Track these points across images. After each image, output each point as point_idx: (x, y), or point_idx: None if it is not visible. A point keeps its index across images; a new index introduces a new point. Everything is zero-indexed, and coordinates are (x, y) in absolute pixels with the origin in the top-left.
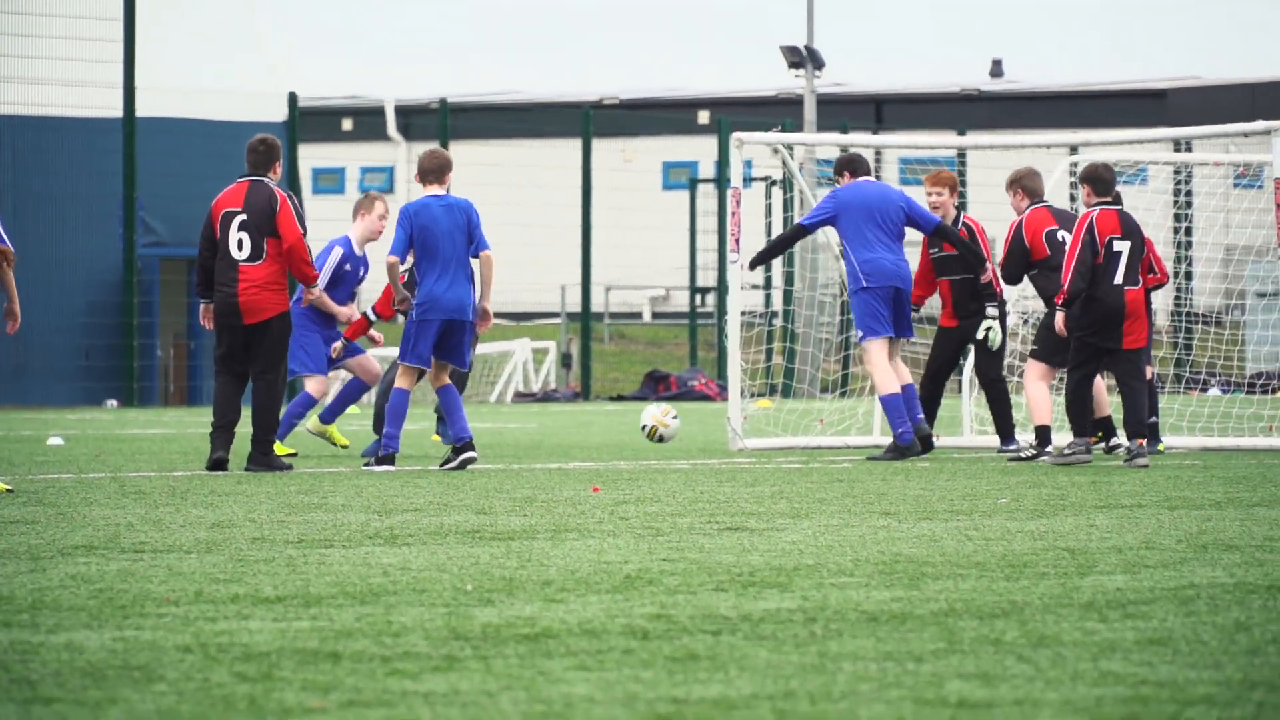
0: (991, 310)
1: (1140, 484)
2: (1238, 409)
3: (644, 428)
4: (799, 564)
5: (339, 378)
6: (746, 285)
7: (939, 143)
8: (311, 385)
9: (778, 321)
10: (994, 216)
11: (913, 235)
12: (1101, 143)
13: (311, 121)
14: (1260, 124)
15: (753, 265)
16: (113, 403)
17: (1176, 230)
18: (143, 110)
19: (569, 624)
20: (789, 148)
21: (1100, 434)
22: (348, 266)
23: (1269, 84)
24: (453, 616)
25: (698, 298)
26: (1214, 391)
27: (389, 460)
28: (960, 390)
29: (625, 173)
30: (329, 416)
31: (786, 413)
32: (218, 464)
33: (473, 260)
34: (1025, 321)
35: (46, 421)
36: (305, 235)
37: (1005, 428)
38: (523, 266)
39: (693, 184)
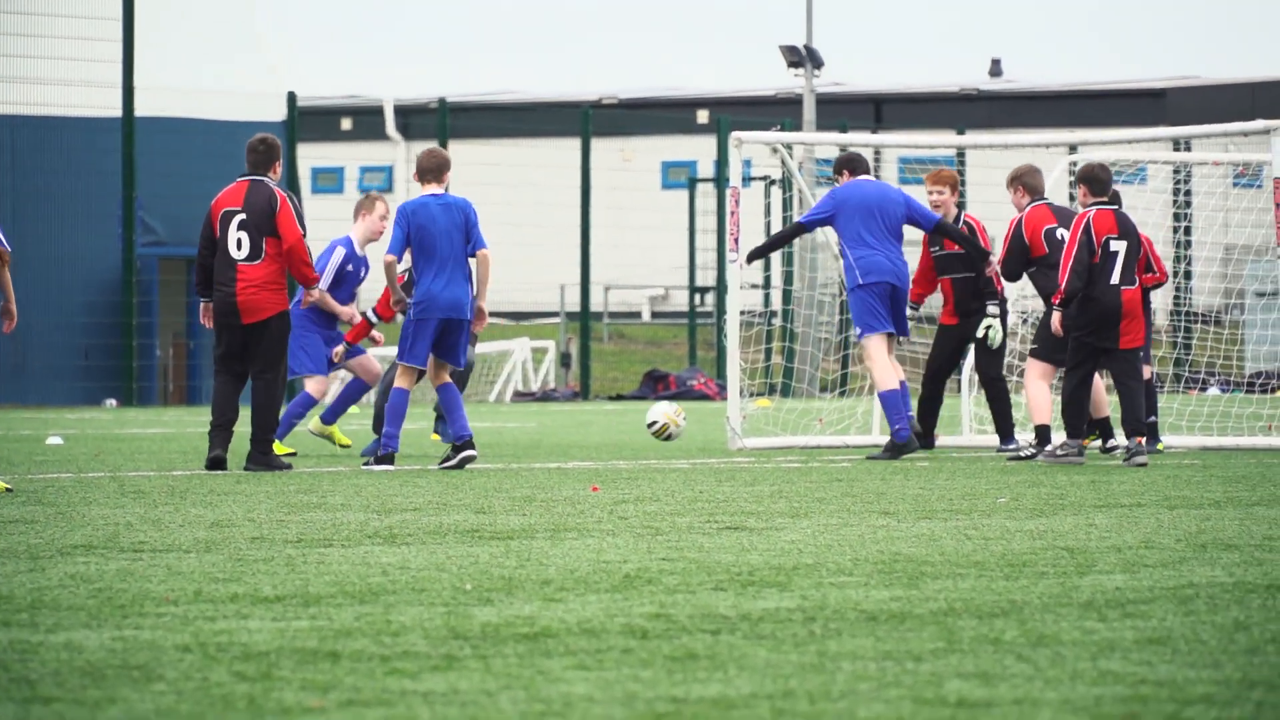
0: (992, 308)
1: (1139, 483)
2: (1237, 408)
3: (653, 424)
4: (798, 563)
5: (339, 378)
6: (745, 285)
7: (938, 142)
8: (311, 385)
9: (777, 321)
10: (993, 216)
11: (913, 235)
12: (1101, 142)
13: (311, 121)
14: (1259, 123)
15: (750, 258)
16: (112, 402)
17: (1176, 230)
18: (142, 110)
19: (568, 623)
20: (788, 147)
21: (1096, 433)
22: (349, 267)
23: (1268, 83)
24: (452, 616)
25: (697, 297)
26: (1213, 391)
27: (388, 460)
28: (960, 389)
29: (624, 172)
30: (330, 417)
31: (786, 412)
32: (216, 463)
33: (470, 259)
34: (1025, 321)
35: (46, 421)
36: (305, 235)
37: (1005, 427)
38: (522, 266)
39: (692, 183)
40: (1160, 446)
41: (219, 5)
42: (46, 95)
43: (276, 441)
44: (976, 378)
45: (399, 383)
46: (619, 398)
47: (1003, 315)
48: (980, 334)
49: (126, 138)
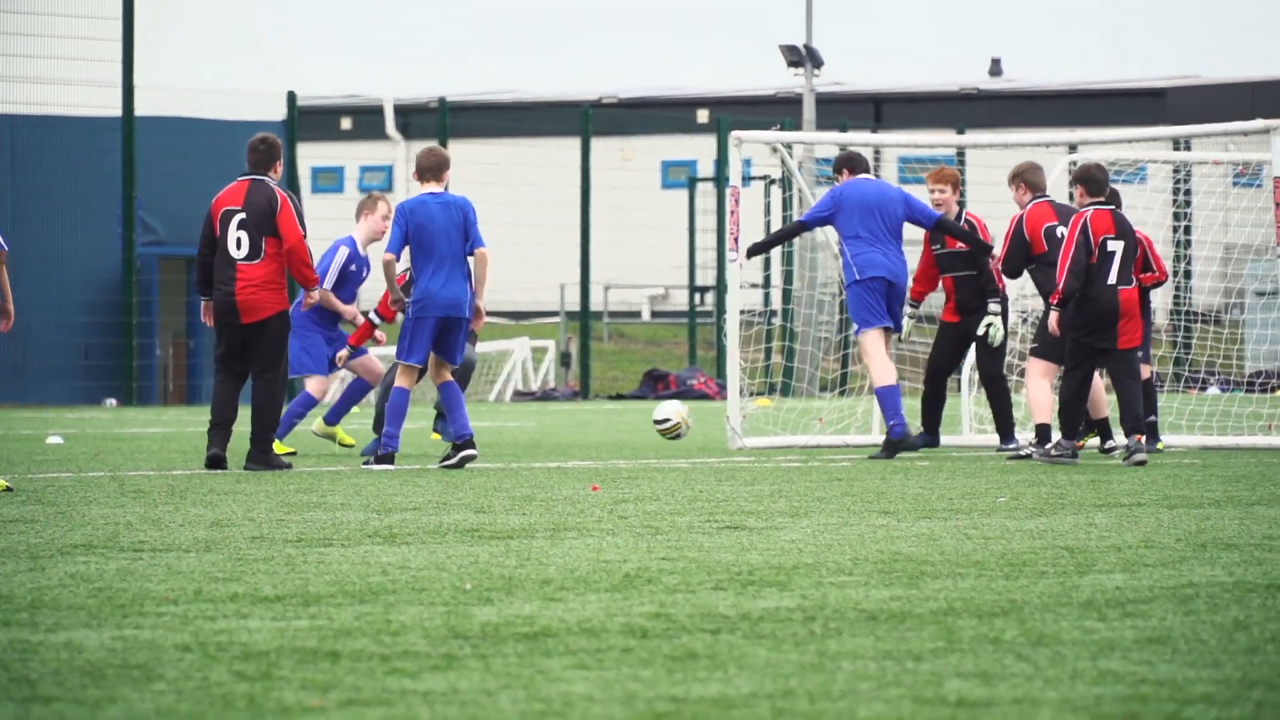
0: (994, 306)
1: (1139, 482)
2: (1237, 408)
3: (665, 420)
4: (798, 563)
5: (339, 378)
6: (745, 284)
7: (938, 142)
8: (312, 385)
9: (777, 320)
10: (993, 215)
11: (913, 234)
12: (1100, 141)
13: (310, 120)
14: (1259, 122)
15: (750, 253)
16: (112, 401)
17: (1176, 229)
18: (142, 109)
19: (568, 623)
20: (788, 147)
21: (1093, 431)
22: (352, 266)
23: (1268, 83)
24: (452, 615)
25: (697, 296)
26: (1213, 390)
27: (388, 459)
28: (960, 389)
29: (624, 171)
30: (334, 418)
31: (785, 411)
32: (214, 461)
33: (469, 258)
34: (1024, 320)
35: (46, 420)
36: (305, 236)
37: (1005, 426)
38: (522, 265)
39: (692, 183)
40: (1160, 446)
41: (219, 5)
42: (46, 95)
43: (276, 441)
44: (977, 377)
45: (399, 382)
46: (619, 397)
47: (1004, 313)
48: (981, 332)
49: (126, 137)
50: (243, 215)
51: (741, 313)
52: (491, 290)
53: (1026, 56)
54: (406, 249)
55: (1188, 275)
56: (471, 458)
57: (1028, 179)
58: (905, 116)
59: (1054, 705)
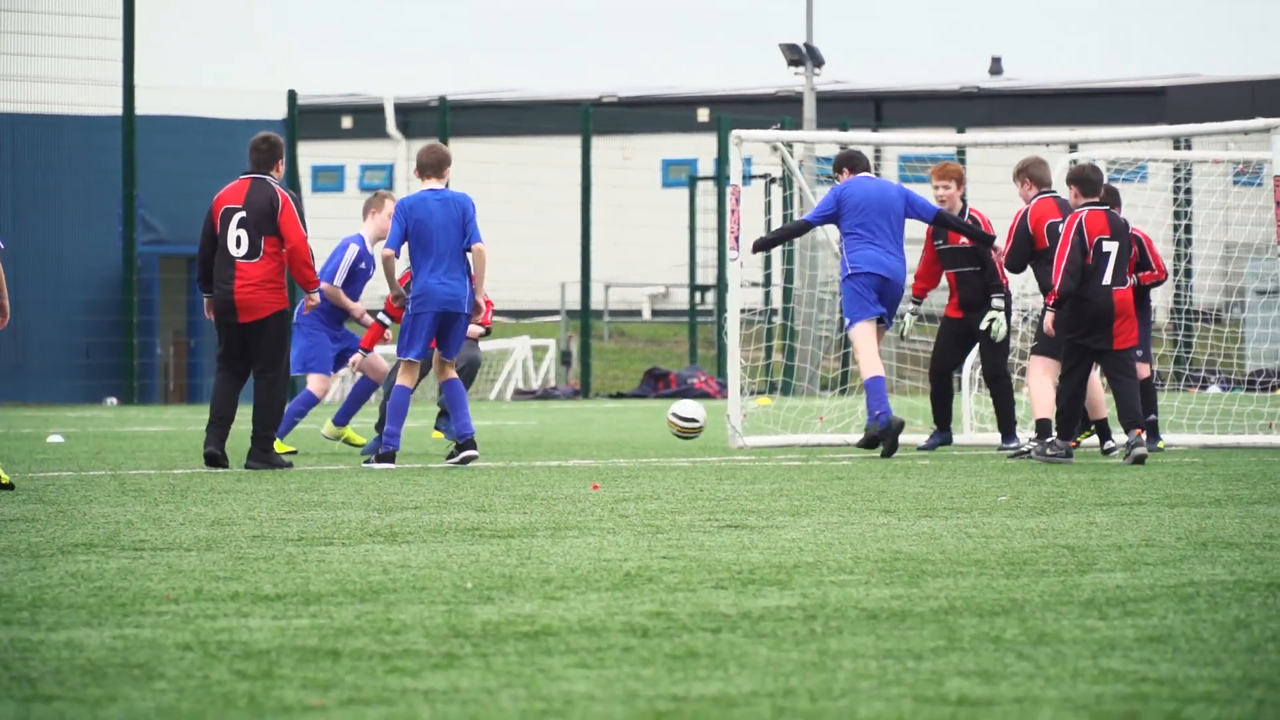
0: (997, 301)
1: (1140, 481)
2: (1237, 406)
3: (693, 421)
4: (799, 561)
5: (341, 376)
6: (746, 283)
7: (939, 140)
8: (313, 384)
9: (777, 319)
10: (993, 214)
11: (914, 234)
12: (1101, 140)
13: (311, 119)
14: (1259, 121)
15: (755, 248)
16: (112, 400)
17: (1176, 228)
18: (142, 108)
19: (569, 621)
20: (788, 145)
21: (1091, 430)
22: (362, 264)
23: (1268, 81)
24: (452, 614)
25: (697, 295)
26: (1214, 389)
27: (389, 458)
28: (961, 387)
29: (625, 170)
30: (342, 419)
31: (786, 410)
32: (210, 458)
33: (467, 254)
34: (1025, 319)
35: (46, 419)
36: (306, 236)
37: (1007, 424)
38: (522, 264)
39: (692, 181)
40: (1161, 445)
41: (219, 4)
42: (47, 93)
43: (277, 440)
44: (978, 376)
45: (400, 380)
46: (619, 396)
47: (1007, 309)
48: (984, 326)
49: (127, 136)
50: (243, 214)
51: (742, 311)
52: (492, 289)
53: (1027, 55)
54: (406, 246)
55: (1188, 274)
56: (473, 458)
57: (1032, 174)
58: (906, 115)
59: (1055, 704)
